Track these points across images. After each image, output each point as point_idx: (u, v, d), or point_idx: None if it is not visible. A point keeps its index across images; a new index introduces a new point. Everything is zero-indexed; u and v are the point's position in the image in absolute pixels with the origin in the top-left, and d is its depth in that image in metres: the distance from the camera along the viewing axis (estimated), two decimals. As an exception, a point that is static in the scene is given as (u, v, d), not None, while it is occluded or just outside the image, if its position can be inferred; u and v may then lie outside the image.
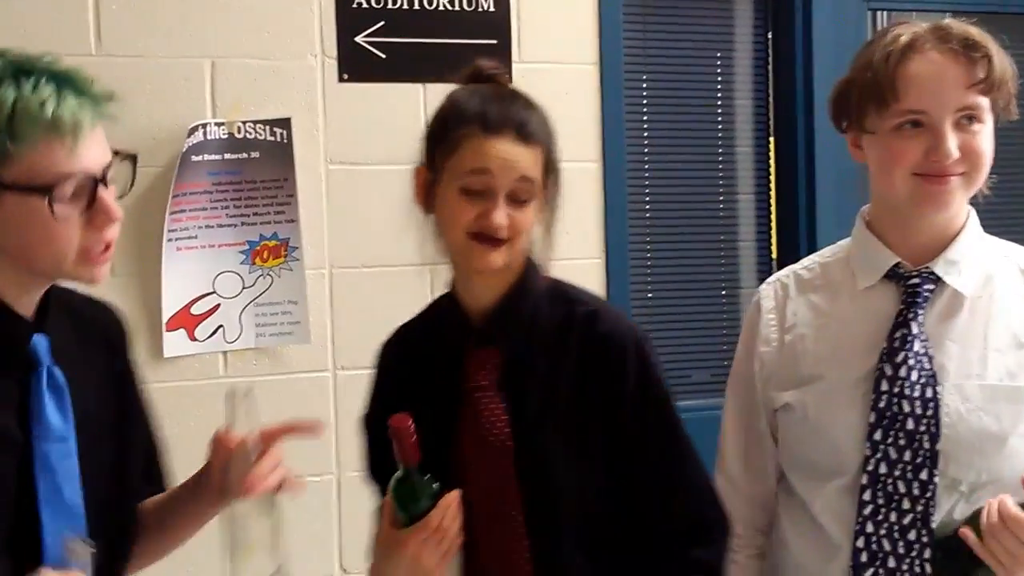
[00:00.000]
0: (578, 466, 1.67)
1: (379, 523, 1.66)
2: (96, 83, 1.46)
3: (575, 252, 3.06)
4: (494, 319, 1.70)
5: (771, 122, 3.46)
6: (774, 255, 3.46)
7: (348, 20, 2.89)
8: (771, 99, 3.46)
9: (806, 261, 1.93)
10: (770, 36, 3.45)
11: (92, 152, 1.43)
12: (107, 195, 1.45)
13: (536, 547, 1.66)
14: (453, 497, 1.61)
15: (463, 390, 1.70)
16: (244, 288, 2.84)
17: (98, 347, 1.65)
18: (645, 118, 3.34)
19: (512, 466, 1.66)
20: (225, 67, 2.81)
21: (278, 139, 2.81)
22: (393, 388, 1.78)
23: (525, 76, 2.92)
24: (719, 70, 3.43)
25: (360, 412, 1.82)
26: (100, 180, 1.44)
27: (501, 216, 1.60)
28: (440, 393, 1.70)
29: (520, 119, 1.64)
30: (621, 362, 1.67)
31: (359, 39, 2.90)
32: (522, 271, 1.70)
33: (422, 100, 2.89)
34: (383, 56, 2.90)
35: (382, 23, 2.91)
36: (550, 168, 1.67)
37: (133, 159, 1.51)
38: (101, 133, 1.46)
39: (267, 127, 2.81)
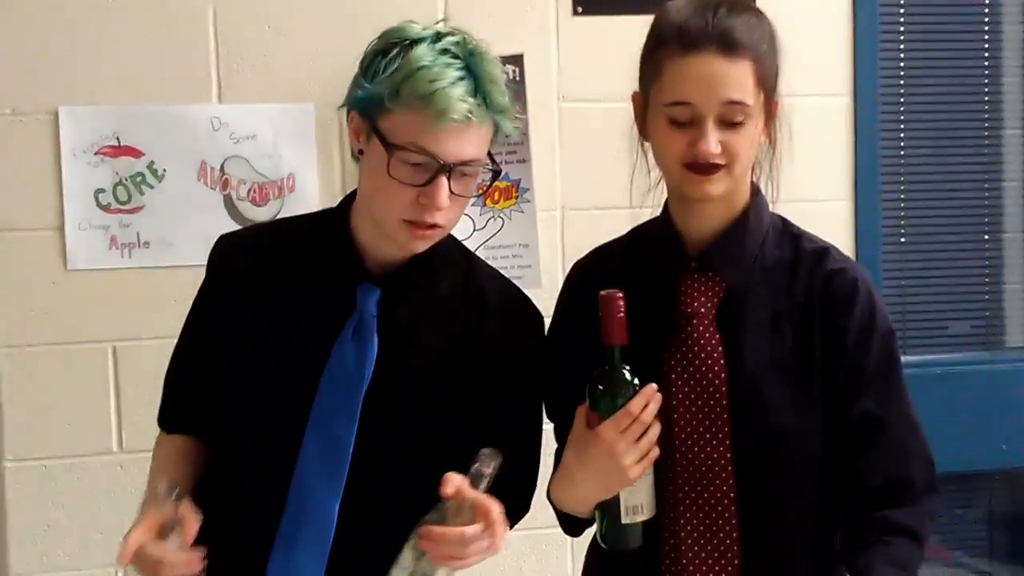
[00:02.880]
0: (797, 408, 1.61)
1: (574, 427, 1.62)
2: (509, 96, 1.60)
3: (819, 192, 2.98)
4: (717, 247, 1.65)
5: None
6: (1044, 195, 3.38)
7: (581, -49, 2.93)
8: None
9: None
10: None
11: (453, 142, 1.54)
12: (442, 185, 1.55)
13: (745, 494, 1.61)
14: (653, 388, 1.56)
15: (675, 317, 1.65)
16: (475, 230, 2.85)
17: (470, 337, 1.69)
18: (902, 44, 3.20)
19: (725, 403, 1.60)
20: (457, 3, 2.81)
21: (510, 76, 2.77)
22: (588, 310, 1.66)
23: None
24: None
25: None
26: (448, 169, 1.55)
27: (711, 144, 1.54)
28: (645, 319, 1.64)
29: (723, 28, 1.54)
30: (850, 302, 1.63)
31: (593, -29, 2.93)
32: (748, 203, 1.67)
33: (659, 33, 2.83)
34: (618, -13, 2.91)
35: (617, -47, 2.91)
36: (766, 81, 1.58)
37: (495, 174, 1.66)
38: (479, 134, 1.57)
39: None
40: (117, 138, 2.71)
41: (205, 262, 1.77)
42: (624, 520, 1.59)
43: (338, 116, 2.76)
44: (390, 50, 1.56)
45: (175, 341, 1.81)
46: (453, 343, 1.68)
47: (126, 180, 2.71)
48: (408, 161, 1.55)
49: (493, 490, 1.55)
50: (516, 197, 2.86)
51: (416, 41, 1.56)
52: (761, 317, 1.63)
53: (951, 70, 3.26)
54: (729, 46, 1.53)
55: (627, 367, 1.58)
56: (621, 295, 1.56)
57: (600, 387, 1.58)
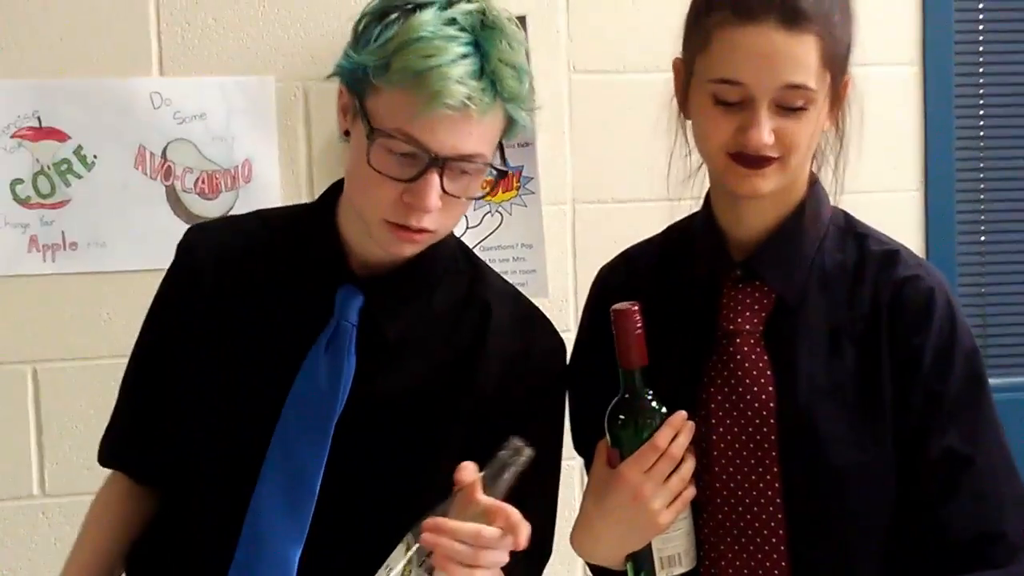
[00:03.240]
0: (861, 443, 1.58)
1: (593, 468, 1.62)
2: (528, 82, 1.55)
3: (881, 181, 2.97)
4: (767, 250, 1.64)
5: None
6: None
7: None
8: None
9: None
10: None
11: (450, 132, 1.50)
12: (432, 183, 1.51)
13: (798, 542, 1.58)
14: (683, 416, 1.56)
15: (716, 334, 1.63)
16: (468, 228, 2.81)
17: (466, 364, 1.68)
18: (980, 4, 3.17)
19: (774, 437, 1.59)
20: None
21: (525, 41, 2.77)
22: None
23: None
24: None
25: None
26: (441, 163, 1.51)
27: (763, 133, 1.52)
28: (682, 336, 1.64)
29: None
30: (926, 315, 1.60)
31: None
32: (805, 196, 1.64)
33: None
34: (638, -63, 2.84)
35: None
36: (835, 59, 1.55)
37: (501, 174, 1.62)
38: (483, 124, 1.52)
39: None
40: (38, 118, 2.69)
41: (143, 267, 1.76)
42: (660, 574, 1.59)
43: (304, 91, 2.76)
44: (389, 13, 1.52)
45: (108, 362, 1.81)
46: (445, 369, 1.65)
47: (48, 168, 2.69)
48: (394, 150, 1.51)
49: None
50: (517, 188, 2.84)
51: (422, 6, 1.51)
52: (817, 334, 1.61)
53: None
54: (793, 17, 1.49)
55: (650, 392, 1.57)
56: (637, 308, 1.56)
57: (620, 418, 1.57)
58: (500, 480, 1.47)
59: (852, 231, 1.68)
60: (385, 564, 1.48)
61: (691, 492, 1.57)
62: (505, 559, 1.47)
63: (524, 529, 1.45)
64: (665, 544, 1.57)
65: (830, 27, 1.53)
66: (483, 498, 1.45)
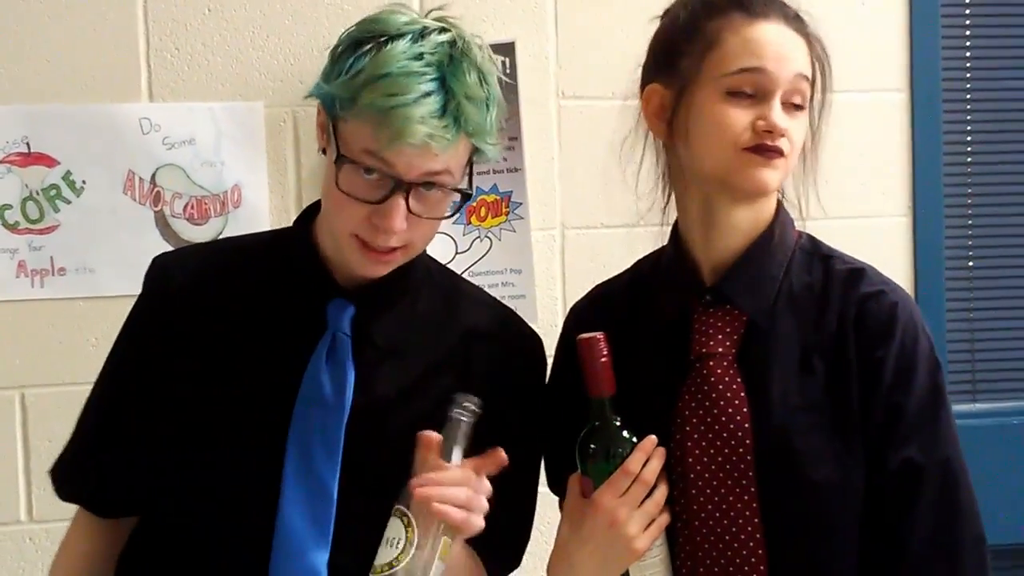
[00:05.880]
0: (837, 459, 1.61)
1: (566, 499, 1.64)
2: (495, 112, 1.63)
3: (873, 208, 2.99)
4: (735, 274, 1.66)
5: None
6: None
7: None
8: None
9: None
10: None
11: (414, 160, 1.55)
12: (397, 205, 1.57)
13: (777, 561, 1.59)
14: (653, 441, 1.58)
15: (688, 359, 1.65)
16: (458, 253, 2.82)
17: (453, 365, 1.74)
18: (967, 30, 3.17)
19: (750, 458, 1.60)
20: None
21: (499, 68, 2.77)
22: None
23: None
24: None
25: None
26: (406, 187, 1.57)
27: (782, 116, 1.58)
28: (653, 363, 1.67)
29: (784, 1, 1.62)
30: (888, 330, 1.63)
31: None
32: (773, 218, 1.69)
33: (677, 16, 2.83)
34: (626, -37, 2.81)
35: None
36: (814, 69, 1.64)
37: (465, 196, 1.65)
38: (447, 154, 1.57)
39: (486, 53, 2.79)
40: (27, 143, 2.70)
41: (131, 292, 1.76)
42: None
43: (292, 117, 2.77)
44: (363, 43, 1.57)
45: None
46: (434, 371, 1.72)
47: (37, 194, 2.70)
48: (360, 175, 1.57)
49: (476, 543, 1.60)
50: (506, 213, 2.83)
51: (393, 38, 1.56)
52: (789, 355, 1.64)
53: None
54: (793, 18, 1.61)
55: (619, 419, 1.60)
56: (602, 336, 1.59)
57: (591, 447, 1.60)
58: (458, 436, 1.56)
59: (818, 253, 1.71)
60: (385, 540, 1.54)
61: (665, 518, 1.59)
62: (486, 507, 1.56)
63: (495, 456, 1.57)
64: (642, 573, 1.59)
65: (813, 39, 1.64)
66: (448, 464, 1.55)
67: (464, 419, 1.56)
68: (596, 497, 1.57)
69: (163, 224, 2.74)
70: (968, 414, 2.98)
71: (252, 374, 1.68)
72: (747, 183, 1.60)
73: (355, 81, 1.55)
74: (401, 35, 1.57)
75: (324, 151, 1.65)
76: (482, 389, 1.65)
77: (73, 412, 1.81)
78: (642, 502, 1.58)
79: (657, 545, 1.59)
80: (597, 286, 1.85)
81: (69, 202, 2.71)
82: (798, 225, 1.73)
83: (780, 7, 1.61)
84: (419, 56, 1.55)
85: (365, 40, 1.58)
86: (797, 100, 1.60)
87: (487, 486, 1.57)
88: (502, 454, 1.57)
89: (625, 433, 1.59)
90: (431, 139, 1.53)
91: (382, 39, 1.57)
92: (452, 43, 1.58)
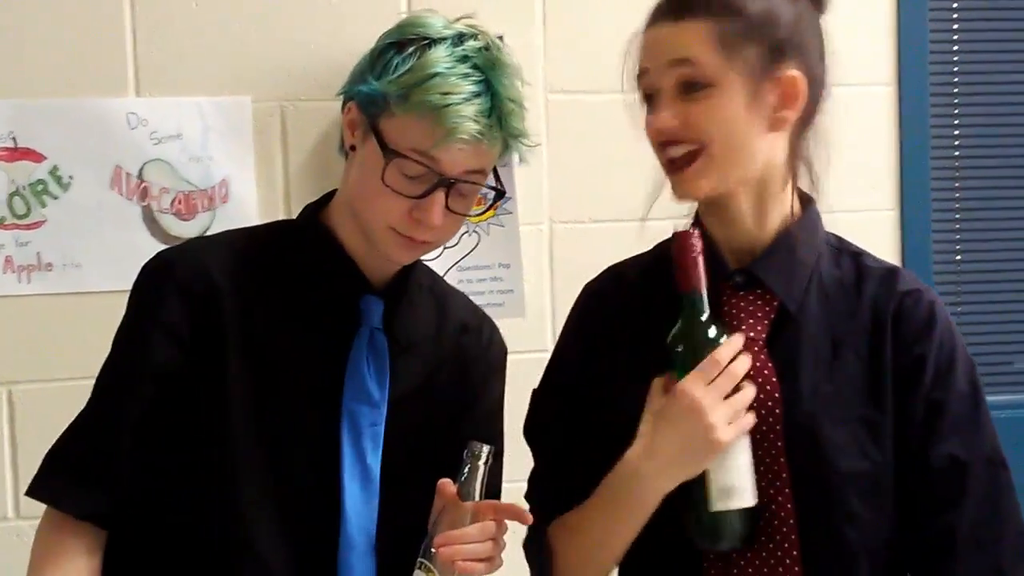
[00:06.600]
0: (863, 449, 1.62)
1: (649, 397, 1.62)
2: (525, 119, 1.71)
3: (861, 202, 3.00)
4: (768, 258, 1.67)
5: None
6: None
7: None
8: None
9: None
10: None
11: (459, 156, 1.64)
12: (439, 200, 1.65)
13: (810, 548, 1.60)
14: (741, 339, 1.60)
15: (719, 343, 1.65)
16: (445, 248, 2.79)
17: (452, 360, 1.85)
18: (955, 26, 3.18)
19: (781, 441, 1.61)
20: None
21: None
22: (601, 336, 1.75)
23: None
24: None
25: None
26: (449, 183, 1.65)
27: (661, 118, 1.61)
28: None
29: None
30: (928, 328, 1.66)
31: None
32: (799, 212, 1.70)
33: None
34: (616, -45, 2.84)
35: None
36: (735, 42, 1.60)
37: (499, 194, 1.76)
38: (486, 151, 1.67)
39: (473, 48, 2.79)
40: (13, 138, 2.68)
41: (119, 288, 1.75)
42: (715, 507, 1.56)
43: (280, 111, 2.76)
44: (406, 46, 1.65)
45: (84, 383, 1.77)
46: (440, 363, 1.82)
47: (24, 189, 2.68)
48: (406, 170, 1.63)
49: None
50: (495, 208, 2.84)
51: (435, 41, 1.64)
52: (820, 344, 1.65)
53: (1016, 53, 3.24)
54: (676, 11, 1.62)
55: (706, 315, 1.59)
56: (697, 232, 1.60)
57: (680, 346, 1.58)
58: (474, 481, 1.63)
59: (846, 250, 1.74)
60: None
61: (751, 419, 1.57)
62: (505, 544, 1.66)
63: (515, 508, 1.65)
64: (721, 473, 1.55)
65: (724, 11, 1.60)
66: (467, 504, 1.62)
67: (481, 466, 1.63)
68: (681, 383, 1.55)
69: (150, 219, 2.73)
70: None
71: (297, 371, 1.73)
72: (674, 192, 1.66)
73: (406, 80, 1.62)
74: (443, 38, 1.65)
75: (351, 149, 1.72)
76: (470, 378, 1.83)
77: (61, 408, 1.79)
78: (728, 396, 1.56)
79: (741, 451, 1.56)
80: (613, 264, 1.86)
81: (56, 197, 2.70)
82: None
83: (666, 7, 1.64)
84: (464, 58, 1.64)
85: (408, 42, 1.65)
86: (687, 80, 1.60)
87: (505, 528, 1.65)
88: (527, 515, 1.66)
89: (714, 328, 1.59)
90: (481, 136, 1.62)
91: (424, 42, 1.65)
92: (487, 48, 1.67)
